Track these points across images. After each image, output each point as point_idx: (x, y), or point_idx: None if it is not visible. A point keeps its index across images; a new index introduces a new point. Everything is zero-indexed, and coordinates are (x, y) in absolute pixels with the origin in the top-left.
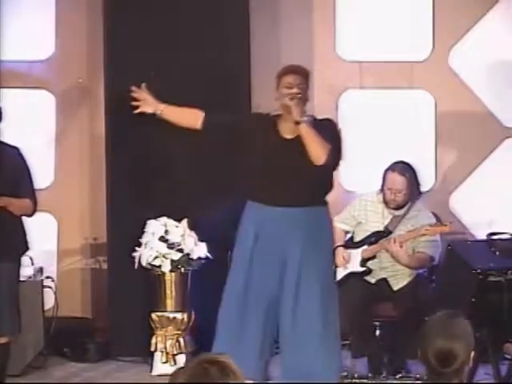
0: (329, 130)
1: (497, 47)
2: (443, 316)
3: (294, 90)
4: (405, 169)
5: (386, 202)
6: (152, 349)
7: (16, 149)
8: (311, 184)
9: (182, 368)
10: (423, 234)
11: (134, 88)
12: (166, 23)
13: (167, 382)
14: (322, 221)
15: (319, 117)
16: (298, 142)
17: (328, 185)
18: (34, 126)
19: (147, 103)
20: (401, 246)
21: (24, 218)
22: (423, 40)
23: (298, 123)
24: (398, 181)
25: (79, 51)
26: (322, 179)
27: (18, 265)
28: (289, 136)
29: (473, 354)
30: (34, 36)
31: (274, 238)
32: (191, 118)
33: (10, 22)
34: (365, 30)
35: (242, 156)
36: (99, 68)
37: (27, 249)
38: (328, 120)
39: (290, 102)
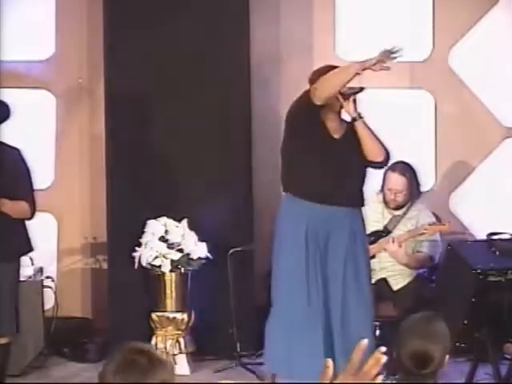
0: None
1: (497, 47)
2: (421, 317)
3: (344, 89)
4: (405, 169)
5: (386, 202)
6: None
7: (17, 150)
8: (360, 184)
9: (108, 361)
10: (422, 234)
11: None
12: (165, 23)
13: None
14: (362, 221)
15: None
16: (345, 141)
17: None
18: (34, 126)
19: None
20: (400, 246)
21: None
22: (423, 40)
23: (354, 120)
24: (399, 181)
25: (79, 51)
26: (364, 179)
27: (18, 265)
28: (336, 135)
29: (447, 357)
30: (34, 36)
31: (321, 236)
32: None
33: (10, 22)
34: (365, 29)
35: (290, 149)
36: (99, 68)
37: (31, 249)
38: None
39: (343, 99)
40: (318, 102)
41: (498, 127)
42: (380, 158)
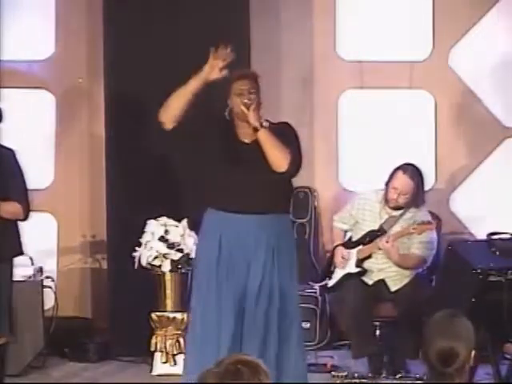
0: (287, 135)
1: (497, 47)
2: (444, 315)
3: (246, 98)
4: (415, 173)
5: (386, 200)
6: (152, 349)
7: (11, 151)
8: (272, 190)
9: (211, 369)
10: (411, 233)
11: None
12: (165, 23)
13: (168, 382)
14: (284, 228)
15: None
16: (256, 146)
17: (288, 191)
18: (33, 126)
19: None
20: (392, 245)
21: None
22: (423, 40)
23: (256, 130)
24: (406, 183)
25: (79, 51)
26: (282, 185)
27: (11, 266)
28: (247, 140)
29: (473, 352)
30: (34, 36)
31: (237, 246)
32: None
33: (10, 22)
34: (365, 29)
35: (201, 161)
36: (99, 68)
37: (21, 252)
38: (285, 123)
39: (245, 109)
40: (168, 127)
41: (498, 127)
42: (282, 169)
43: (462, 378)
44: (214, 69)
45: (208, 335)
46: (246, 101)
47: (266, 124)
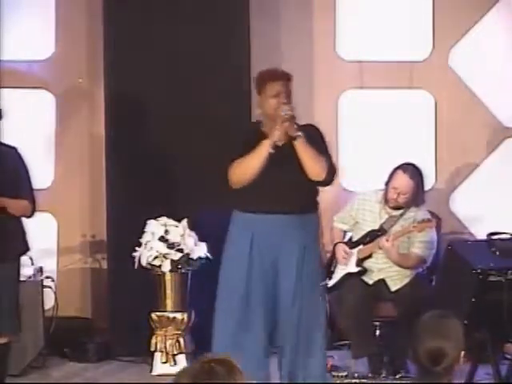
0: (319, 142)
1: (497, 47)
2: (433, 316)
3: (285, 102)
4: (415, 173)
5: (386, 200)
6: (152, 349)
7: (14, 149)
8: (304, 190)
9: (186, 368)
10: (411, 231)
11: None
12: (165, 23)
13: (167, 382)
14: (313, 227)
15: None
16: (288, 148)
17: (316, 190)
18: (33, 126)
19: None
20: (392, 244)
21: (24, 218)
22: (423, 40)
23: (293, 139)
24: (406, 183)
25: (79, 51)
26: (311, 185)
27: (18, 265)
28: (279, 143)
29: (463, 353)
30: (34, 36)
31: (269, 246)
32: None
33: (10, 22)
34: (365, 29)
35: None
36: (99, 68)
37: (27, 249)
38: (312, 127)
39: (286, 119)
40: (235, 187)
41: (498, 127)
42: (320, 178)
43: (450, 378)
44: (283, 133)
45: (234, 334)
46: (288, 112)
47: (301, 133)
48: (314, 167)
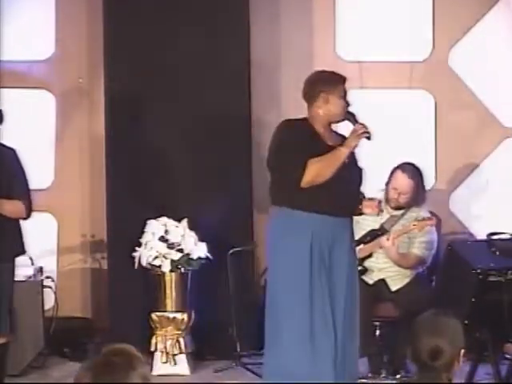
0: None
1: (497, 47)
2: (429, 315)
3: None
4: (415, 173)
5: (387, 200)
6: (152, 349)
7: (12, 150)
8: (359, 192)
9: (85, 364)
10: (411, 229)
11: None
12: (165, 23)
13: (167, 382)
14: (353, 229)
15: None
16: (350, 153)
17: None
18: (33, 126)
19: None
20: (393, 243)
21: (21, 220)
22: (423, 40)
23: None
24: (406, 183)
25: (79, 51)
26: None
27: (13, 266)
28: (331, 143)
29: (463, 352)
30: (34, 36)
31: (326, 246)
32: None
33: (10, 22)
34: (365, 30)
35: (288, 167)
36: (99, 68)
37: (23, 251)
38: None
39: (360, 133)
40: (305, 186)
41: (498, 127)
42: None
43: (449, 375)
44: (359, 136)
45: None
46: (364, 130)
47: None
48: None
